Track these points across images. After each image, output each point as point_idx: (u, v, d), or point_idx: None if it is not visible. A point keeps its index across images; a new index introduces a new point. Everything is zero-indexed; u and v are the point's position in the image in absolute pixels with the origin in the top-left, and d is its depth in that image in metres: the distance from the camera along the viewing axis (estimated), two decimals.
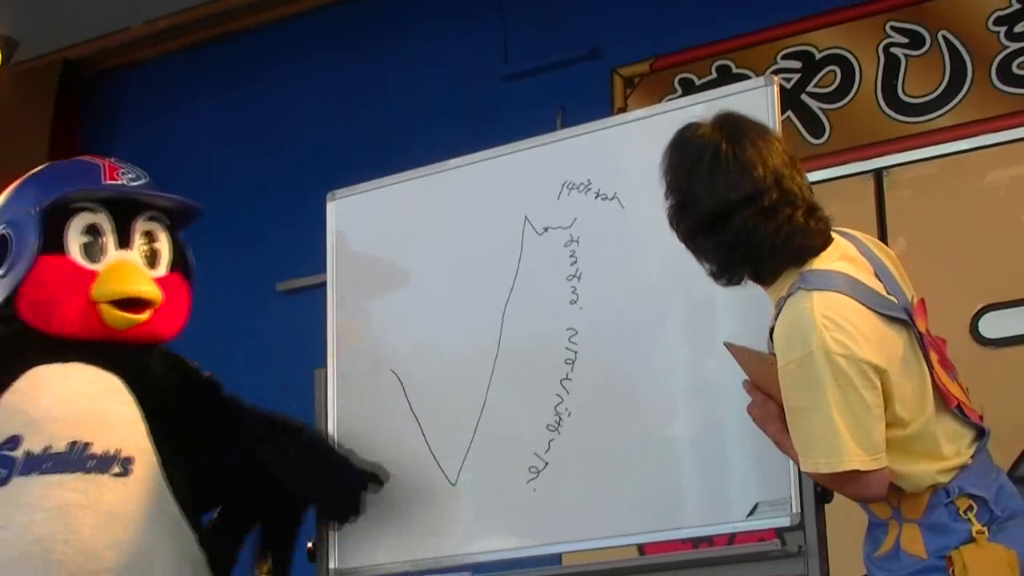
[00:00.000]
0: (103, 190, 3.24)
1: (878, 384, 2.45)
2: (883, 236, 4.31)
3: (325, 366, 3.40)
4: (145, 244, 3.28)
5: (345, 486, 3.24)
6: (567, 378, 3.08)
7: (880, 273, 2.58)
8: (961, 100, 4.35)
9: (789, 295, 2.50)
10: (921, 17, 4.43)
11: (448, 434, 3.19)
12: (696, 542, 3.36)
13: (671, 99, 4.73)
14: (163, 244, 3.30)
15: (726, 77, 4.68)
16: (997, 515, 2.48)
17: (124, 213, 3.26)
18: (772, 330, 2.53)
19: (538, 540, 3.09)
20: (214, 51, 5.72)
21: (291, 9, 5.59)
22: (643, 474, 2.97)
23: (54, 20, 5.56)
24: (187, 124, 5.59)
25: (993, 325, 4.15)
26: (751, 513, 2.81)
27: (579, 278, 3.10)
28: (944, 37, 4.39)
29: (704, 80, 4.73)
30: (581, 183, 3.12)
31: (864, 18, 4.53)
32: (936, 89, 4.38)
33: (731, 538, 3.32)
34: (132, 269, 3.23)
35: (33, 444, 3.10)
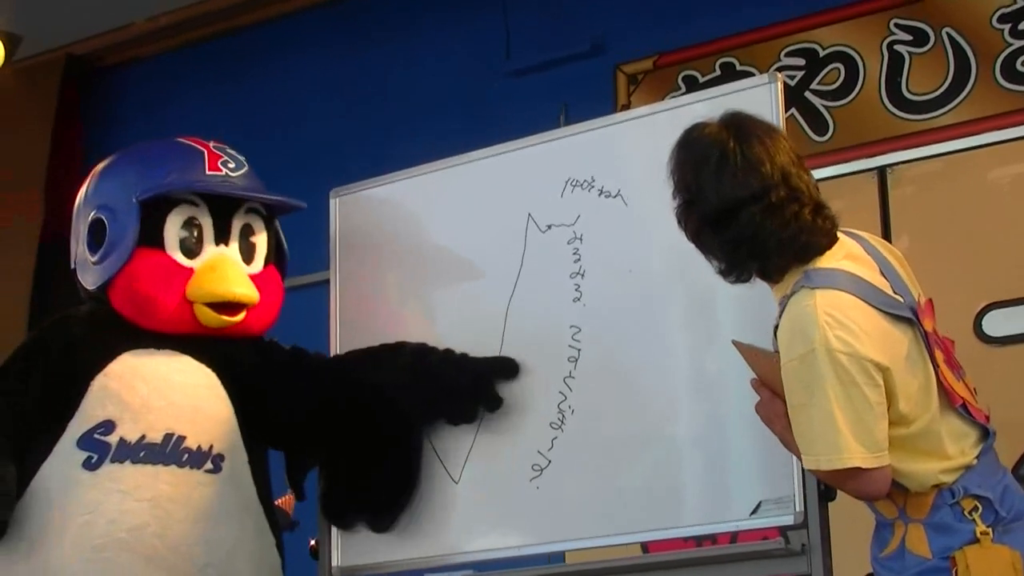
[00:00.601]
0: (208, 188, 3.15)
1: (881, 382, 2.45)
2: (887, 234, 4.31)
3: None
4: (243, 239, 3.21)
5: (475, 373, 3.11)
6: (570, 376, 3.08)
7: (886, 272, 2.58)
8: (965, 98, 4.34)
9: (793, 293, 2.50)
10: (925, 14, 4.43)
11: (451, 432, 3.17)
12: (699, 540, 3.36)
13: (675, 96, 4.73)
14: (260, 238, 3.24)
15: (730, 74, 4.68)
16: (1002, 516, 2.47)
17: (224, 206, 3.19)
18: (776, 328, 2.53)
19: (541, 538, 3.08)
20: (216, 47, 5.72)
21: (293, 5, 5.59)
22: (646, 472, 2.96)
23: (57, 16, 5.56)
24: (189, 120, 5.56)
25: (997, 323, 4.15)
26: (754, 511, 2.81)
27: (582, 275, 3.09)
28: (948, 34, 4.39)
29: (708, 77, 4.72)
30: (584, 180, 3.11)
31: (868, 15, 4.52)
32: (940, 87, 4.38)
33: (734, 536, 3.31)
34: (230, 268, 3.16)
35: (128, 431, 3.04)
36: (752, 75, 4.59)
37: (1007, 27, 4.31)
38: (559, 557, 3.44)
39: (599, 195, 3.08)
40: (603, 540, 3.03)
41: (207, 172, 3.17)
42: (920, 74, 4.41)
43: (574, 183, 3.12)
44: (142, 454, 3.03)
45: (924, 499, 2.49)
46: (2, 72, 5.08)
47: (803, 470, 2.67)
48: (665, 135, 3.01)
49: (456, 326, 3.21)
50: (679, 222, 2.58)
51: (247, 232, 3.21)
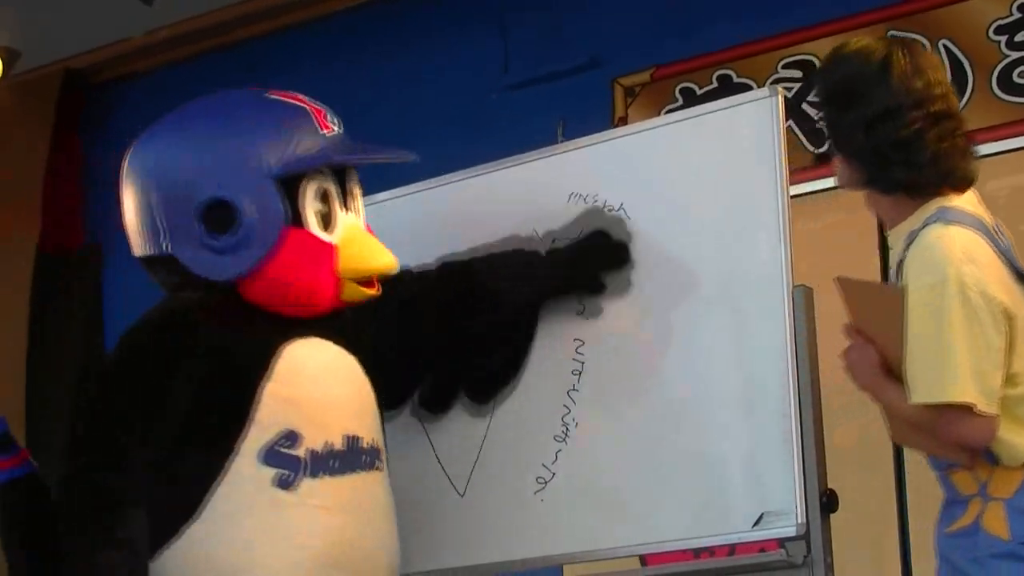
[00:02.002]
0: (349, 158, 2.86)
1: (1005, 329, 2.40)
2: (885, 246, 4.31)
3: None
4: (354, 200, 2.91)
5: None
6: (574, 389, 3.07)
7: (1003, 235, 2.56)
8: (961, 109, 4.34)
9: (925, 226, 2.46)
10: (922, 26, 4.44)
11: (456, 445, 3.17)
12: (697, 553, 3.36)
13: (672, 108, 4.74)
14: (360, 197, 2.95)
15: (727, 86, 4.68)
16: None
17: (341, 168, 2.88)
18: (900, 263, 2.49)
19: (545, 551, 3.08)
20: (215, 61, 5.72)
21: (291, 19, 5.60)
22: (648, 485, 2.97)
23: (55, 30, 5.56)
24: None
25: None
26: (757, 523, 2.80)
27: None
28: (945, 46, 4.40)
29: (705, 89, 4.73)
30: (588, 194, 3.11)
31: (865, 27, 4.53)
32: None
33: (732, 549, 3.32)
34: (369, 240, 2.86)
35: (314, 440, 2.72)
36: (749, 87, 4.61)
37: (1003, 39, 4.32)
38: (557, 570, 3.45)
39: (602, 209, 3.08)
40: (605, 553, 3.03)
41: (322, 132, 2.84)
42: None
43: (577, 197, 3.12)
44: (333, 463, 2.74)
45: (1013, 476, 2.41)
46: (0, 86, 5.08)
47: (805, 481, 2.67)
48: (666, 148, 3.04)
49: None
50: (829, 134, 2.57)
51: (356, 193, 2.93)
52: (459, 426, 3.19)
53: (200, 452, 2.69)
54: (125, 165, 2.90)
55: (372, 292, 2.83)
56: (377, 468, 2.82)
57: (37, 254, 5.77)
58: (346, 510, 2.75)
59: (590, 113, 4.83)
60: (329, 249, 2.78)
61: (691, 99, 4.73)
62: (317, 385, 2.78)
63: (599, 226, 3.05)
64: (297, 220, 2.76)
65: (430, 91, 5.27)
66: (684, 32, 4.81)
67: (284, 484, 2.69)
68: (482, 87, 5.16)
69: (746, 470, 2.86)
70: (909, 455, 4.14)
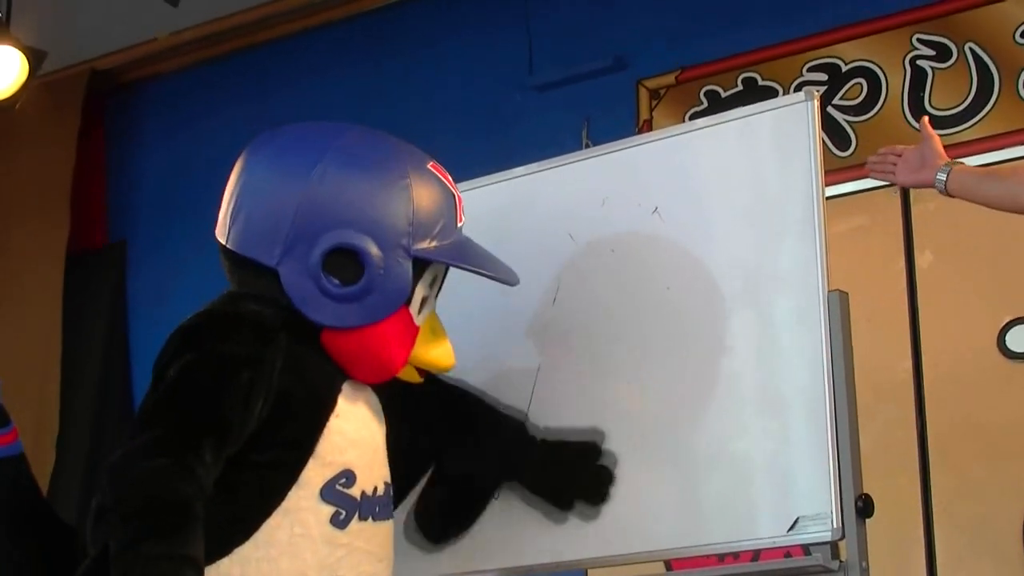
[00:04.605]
0: (482, 270, 2.76)
1: None
2: (910, 249, 4.31)
3: None
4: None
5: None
6: (605, 391, 3.07)
7: None
8: (988, 113, 4.34)
9: None
10: (948, 30, 4.43)
11: None
12: (721, 557, 3.35)
13: (697, 111, 4.74)
14: None
15: (752, 89, 4.68)
16: None
17: None
18: None
19: (570, 555, 3.07)
20: (239, 62, 5.74)
21: (315, 20, 5.61)
22: (680, 489, 2.96)
23: (81, 31, 5.58)
24: (213, 134, 5.59)
25: (1020, 339, 4.14)
26: (792, 527, 2.79)
27: (622, 291, 3.09)
28: (971, 49, 4.39)
29: (730, 92, 4.72)
30: (621, 197, 3.10)
31: (890, 30, 4.52)
32: (963, 102, 4.38)
33: (756, 554, 3.31)
34: (442, 335, 2.80)
35: (365, 483, 2.68)
36: (774, 90, 4.62)
37: None
38: (581, 574, 3.45)
39: (636, 212, 3.08)
40: (631, 557, 3.02)
41: (458, 225, 2.77)
42: (943, 89, 4.41)
43: (611, 200, 3.12)
44: (377, 509, 2.70)
45: None
46: (26, 87, 5.09)
47: (840, 485, 2.68)
48: (700, 152, 3.03)
49: (492, 343, 3.20)
50: None
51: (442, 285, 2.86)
52: None
53: (264, 474, 2.61)
54: (274, 149, 2.77)
55: (419, 380, 2.81)
56: (394, 519, 2.80)
57: (66, 256, 5.79)
58: (381, 557, 2.73)
59: (615, 115, 4.84)
60: (414, 331, 2.73)
61: (716, 102, 4.73)
62: (368, 428, 2.74)
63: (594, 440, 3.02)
64: (408, 298, 2.70)
65: (455, 92, 5.27)
66: (709, 34, 4.81)
67: (338, 523, 2.64)
68: (507, 88, 5.16)
69: (780, 475, 2.84)
70: (935, 460, 4.14)
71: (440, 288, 2.82)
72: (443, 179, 2.77)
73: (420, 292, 2.71)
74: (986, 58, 4.37)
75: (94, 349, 5.74)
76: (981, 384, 4.14)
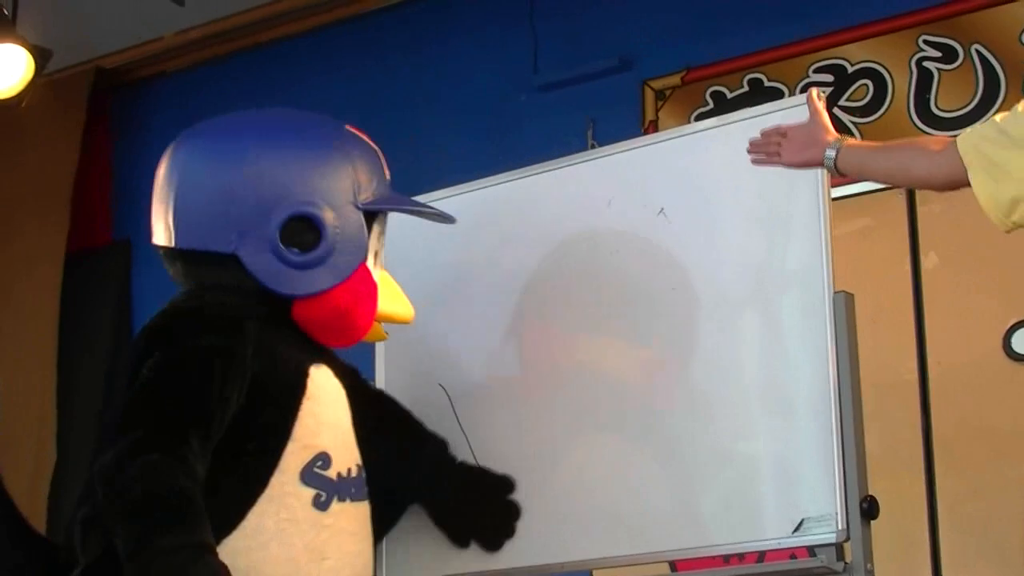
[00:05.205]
0: (419, 210, 2.90)
1: None
2: (915, 251, 4.31)
3: (372, 380, 3.37)
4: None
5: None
6: (609, 390, 3.07)
7: None
8: (994, 114, 4.32)
9: None
10: (954, 31, 4.42)
11: (495, 449, 3.16)
12: (727, 559, 3.35)
13: (702, 111, 4.73)
14: None
15: (758, 90, 4.67)
16: None
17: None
18: None
19: (575, 555, 3.07)
20: (244, 61, 5.74)
21: (321, 19, 5.60)
22: (683, 490, 2.96)
23: (86, 30, 5.58)
24: None
25: None
26: (797, 529, 2.79)
27: (627, 292, 3.09)
28: (977, 51, 4.38)
29: (736, 93, 4.72)
30: (627, 198, 3.10)
31: (896, 32, 4.51)
32: (969, 103, 4.37)
33: (760, 556, 3.31)
34: (396, 287, 2.90)
35: (340, 464, 2.74)
36: (780, 91, 4.61)
37: None
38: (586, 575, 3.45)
39: (642, 213, 3.08)
40: (636, 558, 3.02)
41: (386, 178, 2.89)
42: (949, 90, 4.41)
43: (617, 201, 3.12)
44: (352, 489, 2.76)
45: None
46: (32, 85, 5.09)
47: (845, 487, 2.68)
48: (707, 153, 3.03)
49: (503, 342, 3.20)
50: None
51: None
52: (498, 429, 3.18)
53: (244, 463, 2.66)
54: (200, 144, 2.84)
55: (385, 337, 2.93)
56: (368, 501, 2.83)
57: (67, 251, 5.80)
58: (362, 538, 2.78)
59: (620, 115, 4.83)
60: (375, 288, 2.81)
61: (721, 102, 4.72)
62: (336, 411, 2.79)
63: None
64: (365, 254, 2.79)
65: (459, 92, 5.27)
66: (715, 35, 4.80)
67: (320, 505, 2.69)
68: (511, 88, 5.15)
69: (785, 476, 2.85)
70: (940, 462, 4.13)
71: (383, 243, 2.87)
72: (364, 139, 2.88)
73: (372, 246, 2.80)
74: (992, 60, 4.36)
75: (98, 347, 5.73)
76: (986, 386, 4.13)
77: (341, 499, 2.72)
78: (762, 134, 2.83)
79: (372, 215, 2.80)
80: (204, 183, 2.76)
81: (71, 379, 5.67)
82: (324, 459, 2.71)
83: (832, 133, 2.77)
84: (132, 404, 2.59)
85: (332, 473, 2.71)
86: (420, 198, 3.15)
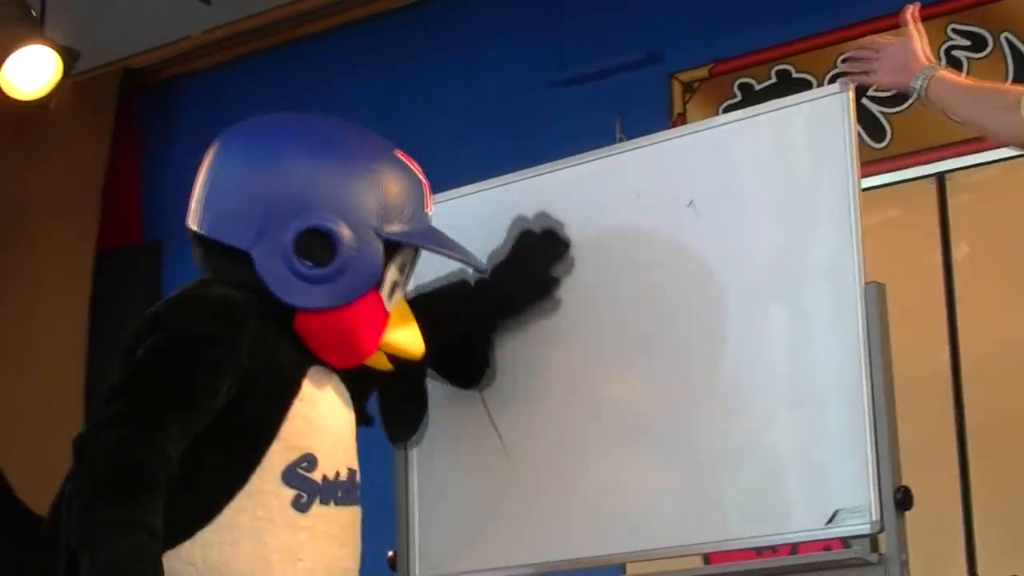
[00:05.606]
0: (449, 252, 2.84)
1: None
2: (946, 241, 4.29)
3: None
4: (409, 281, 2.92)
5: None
6: (641, 383, 3.07)
7: None
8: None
9: None
10: (983, 19, 4.40)
11: (528, 446, 3.15)
12: (759, 550, 3.34)
13: (730, 104, 4.72)
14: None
15: (785, 81, 4.66)
16: None
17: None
18: None
19: (608, 549, 3.07)
20: (272, 59, 5.75)
21: (347, 17, 5.61)
22: (716, 482, 2.95)
23: (114, 30, 5.60)
24: None
25: None
26: (830, 520, 2.78)
27: (657, 285, 3.08)
28: (1007, 39, 4.36)
29: (764, 84, 4.71)
30: (656, 191, 3.10)
31: (925, 21, 4.43)
32: None
33: (793, 548, 3.30)
34: (412, 323, 2.87)
35: (327, 467, 2.72)
36: (808, 82, 4.60)
37: None
38: (618, 567, 3.45)
39: (671, 205, 3.07)
40: (670, 551, 3.02)
41: (426, 211, 2.83)
42: (978, 79, 4.38)
43: (645, 194, 3.11)
44: (339, 493, 2.74)
45: None
46: (60, 86, 5.11)
47: (879, 477, 2.67)
48: (735, 145, 3.02)
49: (532, 337, 3.19)
50: None
51: (413, 273, 2.93)
52: (530, 423, 3.18)
53: (227, 457, 2.66)
54: (245, 138, 2.84)
55: (390, 367, 2.86)
56: (359, 504, 2.83)
57: (96, 252, 5.82)
58: (344, 542, 2.77)
59: (647, 109, 4.82)
60: (386, 319, 2.79)
61: (750, 94, 4.71)
62: (331, 414, 2.78)
63: (524, 227, 3.09)
64: (379, 283, 2.76)
65: (486, 87, 5.27)
66: (742, 27, 4.79)
67: (300, 506, 2.68)
68: (538, 82, 5.15)
69: (818, 468, 2.83)
70: (974, 453, 4.12)
71: (410, 275, 2.86)
72: (410, 166, 2.84)
73: (391, 276, 2.77)
74: (1022, 47, 4.34)
75: None
76: (1019, 376, 4.11)
77: (324, 502, 2.72)
78: (856, 50, 2.81)
79: (395, 246, 2.77)
80: (237, 177, 2.77)
81: (100, 380, 5.69)
82: (310, 460, 2.70)
83: (923, 59, 2.73)
84: (121, 382, 2.60)
85: (317, 475, 2.70)
86: (447, 195, 3.15)
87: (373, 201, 2.73)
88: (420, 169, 2.84)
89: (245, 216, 2.72)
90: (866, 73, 2.79)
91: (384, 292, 2.77)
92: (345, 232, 2.70)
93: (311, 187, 2.72)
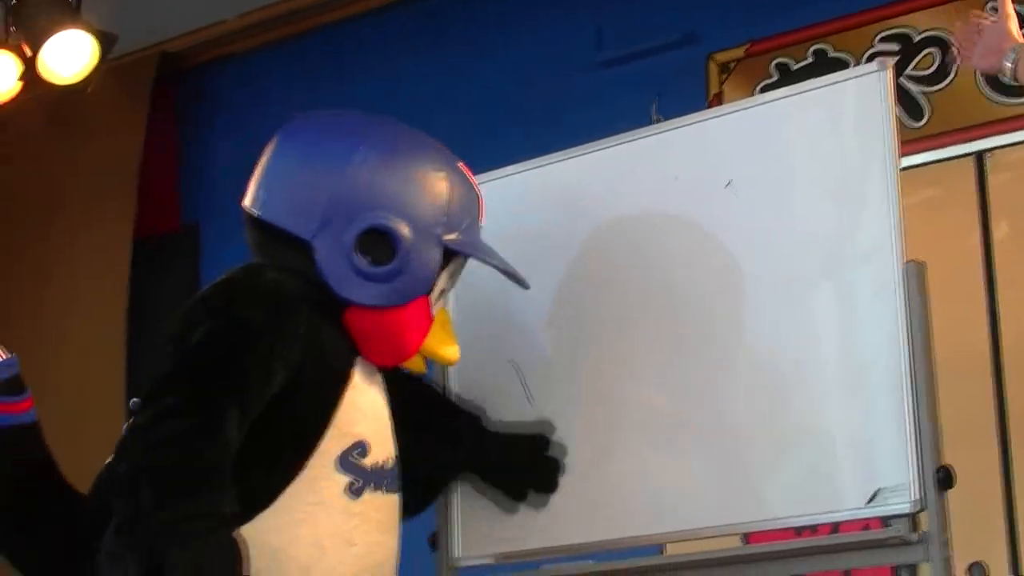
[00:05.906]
0: (503, 266, 2.90)
1: None
2: (985, 219, 4.27)
3: None
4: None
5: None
6: (683, 366, 3.06)
7: None
8: None
9: None
10: None
11: (567, 424, 3.16)
12: (799, 530, 3.34)
13: (768, 84, 4.70)
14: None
15: (822, 61, 4.64)
16: None
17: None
18: None
19: (647, 530, 3.07)
20: (311, 42, 5.75)
21: (384, 0, 5.61)
22: (756, 462, 2.95)
23: (151, 14, 5.61)
24: (285, 115, 5.61)
25: None
26: (871, 499, 2.78)
27: (694, 268, 3.08)
28: None
29: (800, 64, 4.69)
30: (694, 172, 3.10)
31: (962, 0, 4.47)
32: None
33: (834, 527, 3.30)
34: (451, 329, 2.92)
35: (376, 455, 2.77)
36: (845, 62, 4.57)
37: None
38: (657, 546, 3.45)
39: (709, 187, 3.07)
40: (711, 531, 3.02)
41: (480, 224, 2.90)
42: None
43: (683, 175, 3.11)
44: (386, 481, 2.80)
45: None
46: (97, 71, 5.13)
47: (921, 456, 2.66)
48: (773, 125, 3.02)
49: (571, 318, 3.20)
50: None
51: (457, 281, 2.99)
52: (568, 404, 3.18)
53: (282, 444, 2.68)
54: (317, 128, 2.89)
55: (424, 370, 2.95)
56: (401, 492, 2.87)
57: (135, 237, 5.83)
58: (389, 527, 2.81)
59: (684, 90, 4.81)
60: (430, 323, 2.83)
61: (786, 74, 4.69)
62: (377, 403, 2.83)
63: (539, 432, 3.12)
64: (430, 289, 2.82)
65: (523, 69, 5.26)
66: (779, 6, 4.77)
67: (352, 492, 2.72)
68: (575, 64, 5.14)
69: (857, 447, 2.83)
70: (1015, 433, 4.10)
71: (454, 284, 2.92)
72: (470, 179, 2.90)
73: (441, 283, 2.83)
74: None
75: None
76: None
77: (374, 489, 2.76)
78: (960, 32, 2.80)
79: (451, 254, 2.83)
80: (304, 167, 2.79)
81: (140, 367, 5.71)
82: (362, 447, 2.74)
83: (1012, 39, 2.70)
84: (175, 369, 2.62)
85: (368, 462, 2.75)
86: (485, 176, 3.16)
87: (438, 207, 2.79)
88: (477, 183, 2.91)
89: (310, 206, 2.75)
90: (969, 57, 2.79)
91: (432, 298, 2.82)
92: (407, 234, 2.75)
93: (379, 187, 2.76)
